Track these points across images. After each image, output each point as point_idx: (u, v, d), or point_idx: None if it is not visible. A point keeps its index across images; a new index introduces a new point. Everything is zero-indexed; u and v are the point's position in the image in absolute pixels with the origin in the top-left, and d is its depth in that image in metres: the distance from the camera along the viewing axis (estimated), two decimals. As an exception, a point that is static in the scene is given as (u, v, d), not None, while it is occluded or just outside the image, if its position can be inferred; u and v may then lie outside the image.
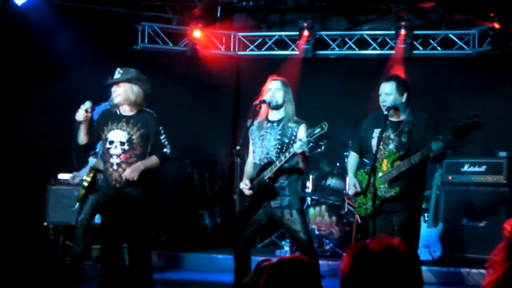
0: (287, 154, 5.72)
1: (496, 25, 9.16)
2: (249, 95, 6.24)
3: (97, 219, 7.55)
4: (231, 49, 10.67)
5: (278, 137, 5.95)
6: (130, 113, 6.04)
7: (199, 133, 10.40)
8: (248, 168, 6.16)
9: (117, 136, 5.98)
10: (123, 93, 5.97)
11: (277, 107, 6.01)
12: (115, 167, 5.95)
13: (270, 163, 5.89)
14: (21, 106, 9.60)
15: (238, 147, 5.81)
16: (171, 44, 10.41)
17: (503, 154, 8.45)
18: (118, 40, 10.03)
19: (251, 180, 6.00)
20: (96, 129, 6.11)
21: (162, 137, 6.06)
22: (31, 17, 9.24)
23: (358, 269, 2.18)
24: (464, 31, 9.87)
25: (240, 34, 10.68)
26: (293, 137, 5.88)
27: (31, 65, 9.54)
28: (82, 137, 6.05)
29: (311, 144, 5.84)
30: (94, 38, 9.74)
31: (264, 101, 5.95)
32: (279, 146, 5.92)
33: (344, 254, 2.29)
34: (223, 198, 9.93)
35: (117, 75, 5.97)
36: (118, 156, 5.94)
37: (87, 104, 5.93)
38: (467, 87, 9.74)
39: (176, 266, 8.68)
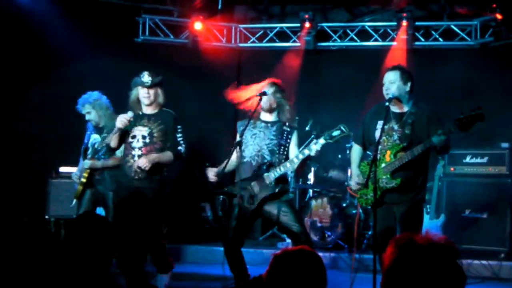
0: (300, 156, 5.74)
1: (498, 16, 9.15)
2: (251, 87, 6.22)
3: (98, 211, 7.54)
4: (232, 41, 10.64)
5: (273, 137, 6.00)
6: (152, 112, 6.43)
7: (200, 125, 10.36)
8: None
9: (139, 131, 6.34)
10: (153, 95, 6.40)
11: (271, 110, 6.03)
12: (136, 158, 6.25)
13: (270, 165, 5.88)
14: (21, 99, 9.57)
15: (239, 139, 5.82)
16: (172, 37, 10.39)
17: (505, 145, 8.42)
18: (119, 33, 9.99)
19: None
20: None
21: (178, 135, 6.40)
22: (31, 9, 9.21)
23: (404, 261, 2.19)
24: (466, 22, 9.84)
25: (241, 26, 10.66)
26: (288, 140, 5.97)
27: (31, 58, 9.51)
28: (116, 142, 6.38)
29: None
30: (95, 30, 9.70)
31: (265, 93, 5.95)
32: (276, 147, 5.95)
33: (389, 245, 2.31)
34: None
35: (149, 78, 6.36)
36: (140, 148, 6.28)
37: (130, 114, 6.27)
38: (469, 78, 9.70)
39: (177, 259, 8.65)
